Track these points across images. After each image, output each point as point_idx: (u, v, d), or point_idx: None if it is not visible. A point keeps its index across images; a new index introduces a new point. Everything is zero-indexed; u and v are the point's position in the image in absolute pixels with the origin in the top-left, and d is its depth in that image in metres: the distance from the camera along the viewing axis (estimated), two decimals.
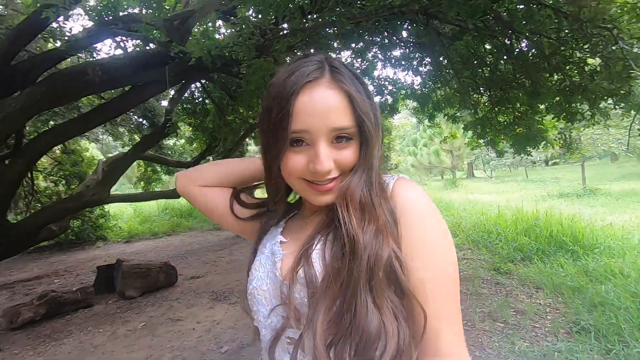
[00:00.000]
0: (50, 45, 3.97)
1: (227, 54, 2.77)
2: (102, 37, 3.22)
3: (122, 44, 3.63)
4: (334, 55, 0.74)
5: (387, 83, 4.91)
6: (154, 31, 2.89)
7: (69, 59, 3.67)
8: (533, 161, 16.49)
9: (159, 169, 7.96)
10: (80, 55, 3.76)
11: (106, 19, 2.88)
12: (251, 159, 0.74)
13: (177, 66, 3.27)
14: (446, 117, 5.26)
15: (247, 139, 7.84)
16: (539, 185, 13.69)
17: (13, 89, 3.12)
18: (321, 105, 0.50)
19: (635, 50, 2.21)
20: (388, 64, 4.54)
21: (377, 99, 5.17)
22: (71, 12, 3.09)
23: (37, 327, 3.08)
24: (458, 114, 5.11)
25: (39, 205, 6.33)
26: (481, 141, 4.86)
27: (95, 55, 3.76)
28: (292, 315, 0.51)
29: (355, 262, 0.49)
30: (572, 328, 2.24)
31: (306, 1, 2.77)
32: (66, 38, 3.23)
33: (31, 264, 5.66)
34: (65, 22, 3.35)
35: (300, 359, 0.52)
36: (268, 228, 0.65)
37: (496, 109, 4.33)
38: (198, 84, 5.25)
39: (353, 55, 4.36)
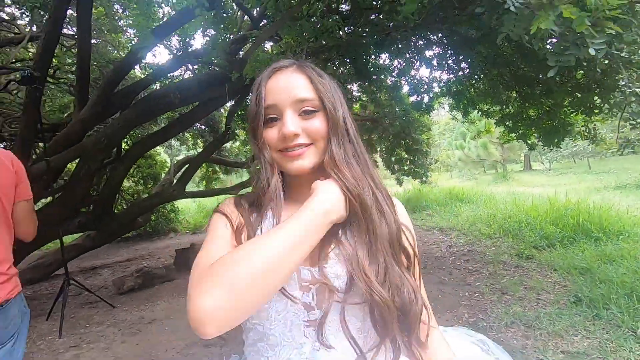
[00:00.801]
0: (137, 73, 4.96)
1: None
2: (177, 66, 4.06)
3: (191, 69, 4.45)
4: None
5: (423, 81, 5.17)
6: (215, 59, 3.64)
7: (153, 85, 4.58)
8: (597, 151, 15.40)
9: (218, 169, 8.97)
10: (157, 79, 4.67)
11: (179, 53, 3.68)
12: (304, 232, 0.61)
13: (235, 84, 3.99)
14: (480, 113, 5.51)
15: None
16: (599, 176, 12.88)
17: (115, 111, 4.06)
18: (285, 83, 0.61)
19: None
20: (423, 64, 4.85)
21: (412, 98, 5.56)
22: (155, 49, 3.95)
23: (137, 293, 3.99)
24: (492, 108, 5.32)
25: (124, 202, 7.59)
26: (513, 135, 5.04)
27: (171, 79, 4.63)
28: (329, 291, 0.56)
29: (366, 216, 0.57)
30: (570, 300, 2.57)
31: (337, 24, 3.34)
32: (151, 69, 4.12)
33: (121, 250, 6.86)
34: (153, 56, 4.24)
35: (325, 337, 0.56)
36: (256, 226, 0.61)
37: (526, 104, 4.54)
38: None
39: (391, 57, 4.76)
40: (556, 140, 4.15)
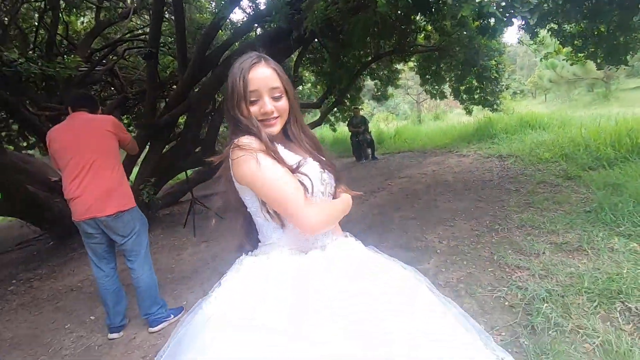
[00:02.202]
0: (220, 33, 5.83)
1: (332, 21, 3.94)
2: (250, 27, 4.82)
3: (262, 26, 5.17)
4: None
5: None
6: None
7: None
8: None
9: None
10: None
11: (252, 14, 4.39)
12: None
13: (298, 36, 4.62)
14: (550, 33, 5.25)
15: (361, 76, 8.92)
16: None
17: (207, 71, 5.06)
18: (262, 74, 0.90)
19: None
20: None
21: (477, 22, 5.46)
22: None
23: None
24: (562, 27, 5.03)
25: (220, 144, 9.10)
26: (581, 54, 4.79)
27: (246, 38, 5.41)
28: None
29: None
30: (585, 209, 2.96)
31: None
32: (231, 29, 4.93)
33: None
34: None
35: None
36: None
37: (596, 20, 4.29)
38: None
39: None
40: (622, 57, 3.95)
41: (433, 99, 10.53)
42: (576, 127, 6.06)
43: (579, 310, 1.75)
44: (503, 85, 7.99)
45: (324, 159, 1.00)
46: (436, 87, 9.09)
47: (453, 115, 17.71)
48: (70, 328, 2.57)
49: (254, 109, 0.90)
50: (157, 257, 3.75)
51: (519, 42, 5.79)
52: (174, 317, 2.42)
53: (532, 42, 5.58)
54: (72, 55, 5.13)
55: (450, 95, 9.10)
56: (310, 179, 0.90)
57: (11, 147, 6.73)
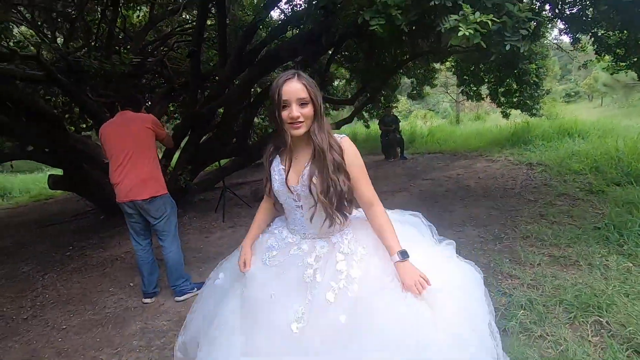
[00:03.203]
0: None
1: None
2: (285, 28, 5.10)
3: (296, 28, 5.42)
4: None
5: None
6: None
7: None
8: None
9: (327, 106, 10.14)
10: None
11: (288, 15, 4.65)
12: (256, 222, 1.49)
13: (329, 37, 4.83)
14: (592, 39, 5.06)
15: (397, 74, 8.94)
16: None
17: (244, 67, 5.42)
18: (293, 87, 1.16)
19: None
20: None
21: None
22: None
23: None
24: (607, 34, 4.83)
25: (256, 135, 9.53)
26: (623, 64, 4.58)
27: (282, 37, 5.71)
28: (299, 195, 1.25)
29: (326, 160, 1.18)
30: (596, 225, 2.96)
31: None
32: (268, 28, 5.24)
33: (256, 171, 8.94)
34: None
35: (302, 213, 1.28)
36: (272, 160, 1.31)
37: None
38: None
39: None
40: None
41: (470, 100, 10.30)
42: (616, 137, 5.79)
43: (553, 319, 1.88)
44: (544, 90, 7.70)
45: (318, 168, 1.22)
46: (473, 88, 8.91)
47: (495, 117, 17.08)
48: (113, 291, 3.04)
49: (284, 113, 1.17)
50: (189, 237, 4.19)
51: (557, 47, 5.60)
52: (197, 290, 2.79)
53: (572, 48, 5.39)
54: (127, 48, 5.71)
55: (487, 97, 8.88)
56: (270, 180, 1.31)
57: (72, 128, 7.55)
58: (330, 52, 5.89)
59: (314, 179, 1.21)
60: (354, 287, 1.16)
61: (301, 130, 1.19)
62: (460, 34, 1.65)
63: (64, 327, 2.54)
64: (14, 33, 5.90)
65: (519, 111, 8.44)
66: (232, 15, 6.44)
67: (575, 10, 4.77)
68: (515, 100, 8.14)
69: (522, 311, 1.96)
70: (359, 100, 9.25)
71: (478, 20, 1.63)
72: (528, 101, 7.91)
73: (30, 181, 11.03)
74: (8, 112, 4.07)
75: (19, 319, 2.75)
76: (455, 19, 1.70)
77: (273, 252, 1.33)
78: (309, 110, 1.18)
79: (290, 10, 5.13)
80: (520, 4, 1.91)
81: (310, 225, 1.29)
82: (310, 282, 1.20)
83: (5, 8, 4.23)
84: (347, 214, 1.30)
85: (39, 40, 4.31)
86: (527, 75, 7.13)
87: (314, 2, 4.29)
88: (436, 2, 1.77)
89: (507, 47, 1.82)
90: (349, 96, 9.71)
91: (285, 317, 1.15)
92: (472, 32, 1.64)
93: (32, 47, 4.84)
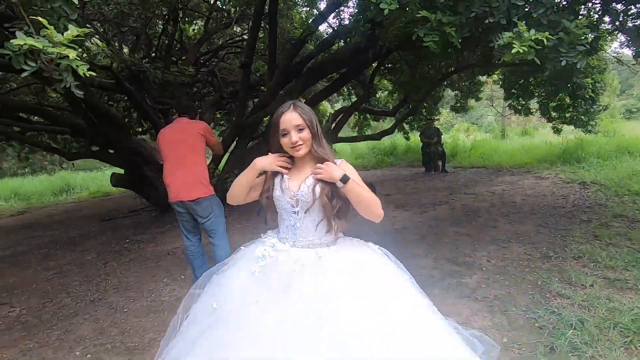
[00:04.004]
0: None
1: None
2: (332, 41, 5.27)
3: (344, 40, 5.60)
4: None
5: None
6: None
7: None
8: None
9: (368, 117, 10.20)
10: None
11: (335, 28, 4.83)
12: (244, 173, 1.41)
13: (376, 50, 4.93)
14: None
15: (440, 87, 8.85)
16: None
17: (292, 78, 5.65)
18: (290, 117, 1.29)
19: None
20: None
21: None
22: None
23: None
24: None
25: None
26: None
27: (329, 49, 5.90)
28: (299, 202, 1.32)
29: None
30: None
31: None
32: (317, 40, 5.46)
33: None
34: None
35: (296, 219, 1.33)
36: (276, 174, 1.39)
37: None
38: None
39: None
40: None
41: (518, 115, 9.93)
42: None
43: (606, 342, 1.81)
44: (600, 105, 7.28)
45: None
46: (522, 102, 8.60)
47: (545, 132, 16.26)
48: (166, 282, 3.28)
49: (285, 140, 1.30)
50: (234, 237, 4.40)
51: (617, 61, 5.31)
52: None
53: (634, 61, 5.08)
54: (183, 59, 6.16)
55: (536, 112, 8.53)
56: (272, 188, 1.38)
57: (131, 131, 8.21)
58: (374, 65, 5.98)
59: (319, 184, 1.31)
60: (336, 301, 1.17)
61: (302, 152, 1.31)
62: (514, 50, 1.68)
63: (125, 310, 2.79)
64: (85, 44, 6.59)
65: (571, 127, 8.04)
66: (281, 29, 6.76)
67: (638, 22, 4.54)
68: (568, 115, 7.77)
69: (571, 330, 1.90)
70: (400, 111, 9.27)
71: (533, 38, 1.65)
72: (582, 117, 7.50)
73: (90, 179, 12.04)
74: (85, 116, 4.55)
75: (86, 300, 3.05)
76: (510, 37, 1.73)
77: (262, 262, 1.35)
78: (306, 134, 1.30)
79: (337, 24, 5.30)
80: (578, 20, 1.90)
81: (302, 233, 1.34)
82: (292, 289, 1.22)
83: (83, 23, 4.79)
84: (344, 222, 1.37)
85: (110, 52, 4.80)
86: (582, 90, 6.78)
87: (361, 16, 4.44)
88: (491, 20, 1.81)
89: (563, 63, 1.82)
90: (391, 108, 9.74)
91: (265, 319, 1.18)
92: (526, 49, 1.66)
93: (100, 58, 5.36)
